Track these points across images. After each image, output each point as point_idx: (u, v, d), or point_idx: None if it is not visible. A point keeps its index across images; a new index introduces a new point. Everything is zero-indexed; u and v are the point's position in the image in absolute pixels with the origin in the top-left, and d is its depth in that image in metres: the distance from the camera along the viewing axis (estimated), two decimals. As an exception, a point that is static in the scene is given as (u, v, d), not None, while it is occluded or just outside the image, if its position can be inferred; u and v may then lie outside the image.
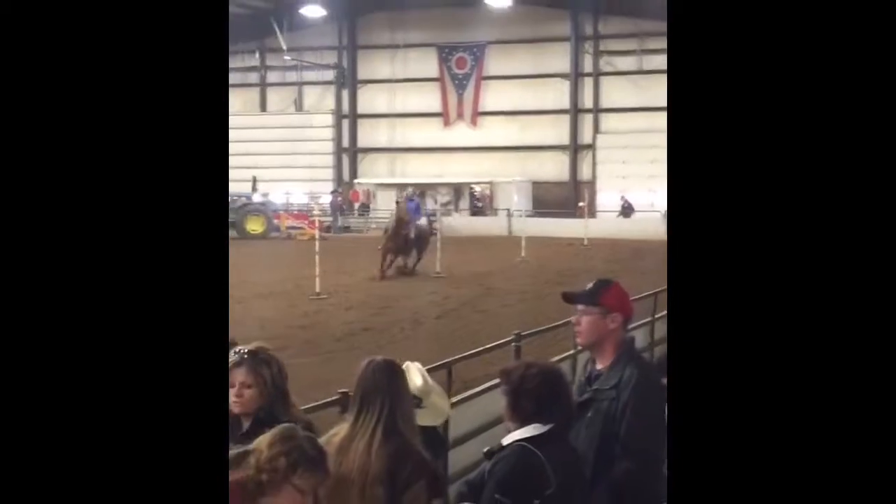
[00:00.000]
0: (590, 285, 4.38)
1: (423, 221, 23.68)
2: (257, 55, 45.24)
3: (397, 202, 24.22)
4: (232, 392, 3.62)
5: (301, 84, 46.43)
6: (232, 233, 35.92)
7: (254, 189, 39.57)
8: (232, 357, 3.68)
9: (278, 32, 42.68)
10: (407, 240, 21.16)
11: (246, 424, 3.68)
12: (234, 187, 38.74)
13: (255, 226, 37.34)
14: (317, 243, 20.51)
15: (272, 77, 46.35)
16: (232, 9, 40.70)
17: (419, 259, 22.73)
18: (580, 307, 4.31)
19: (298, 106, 46.75)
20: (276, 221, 38.28)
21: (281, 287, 20.45)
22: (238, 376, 3.61)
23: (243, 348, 3.78)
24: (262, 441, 3.06)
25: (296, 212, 39.18)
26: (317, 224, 23.68)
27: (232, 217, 36.27)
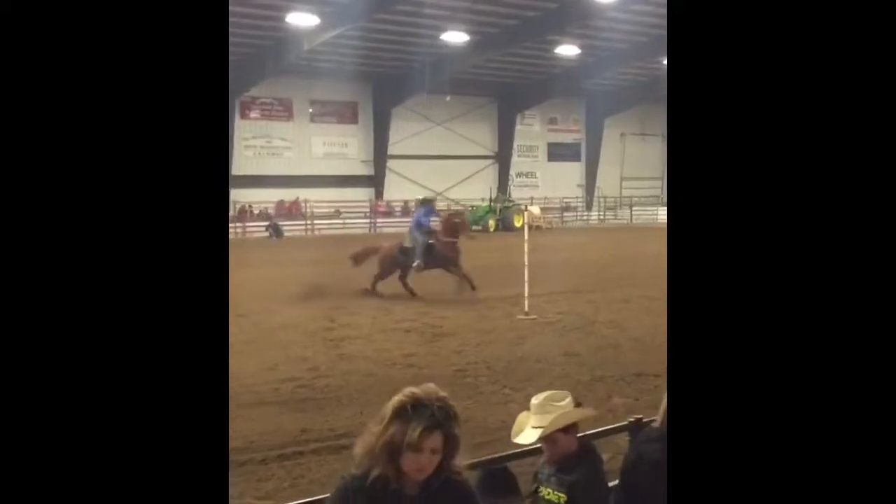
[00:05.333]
0: None
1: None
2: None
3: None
4: (415, 456, 2.32)
5: None
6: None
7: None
8: (424, 416, 2.33)
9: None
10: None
11: (414, 490, 2.38)
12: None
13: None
14: None
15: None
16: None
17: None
18: None
19: None
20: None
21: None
22: (429, 442, 2.32)
23: (433, 400, 2.36)
24: None
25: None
26: None
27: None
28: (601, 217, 44.74)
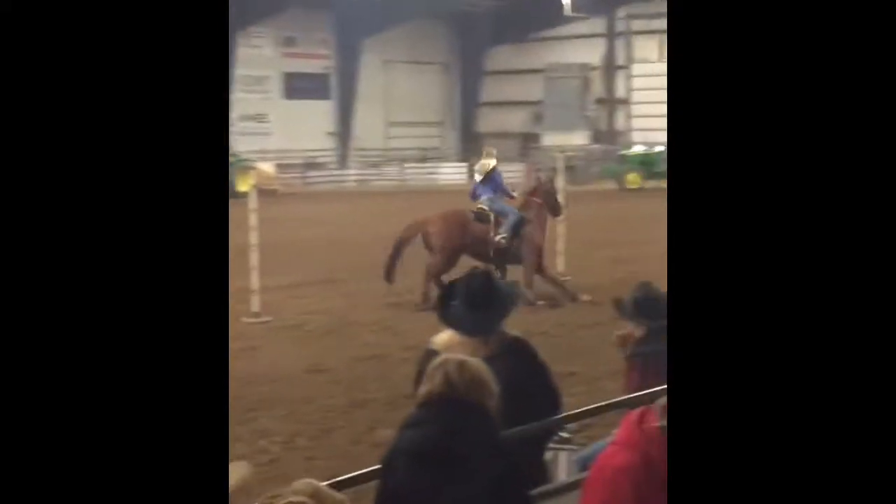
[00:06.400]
0: None
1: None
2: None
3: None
4: None
5: None
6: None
7: None
8: None
9: None
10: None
11: None
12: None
13: None
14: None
15: None
16: None
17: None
18: None
19: None
20: None
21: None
22: None
23: None
24: None
25: None
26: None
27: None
28: (360, 177, 45.22)
